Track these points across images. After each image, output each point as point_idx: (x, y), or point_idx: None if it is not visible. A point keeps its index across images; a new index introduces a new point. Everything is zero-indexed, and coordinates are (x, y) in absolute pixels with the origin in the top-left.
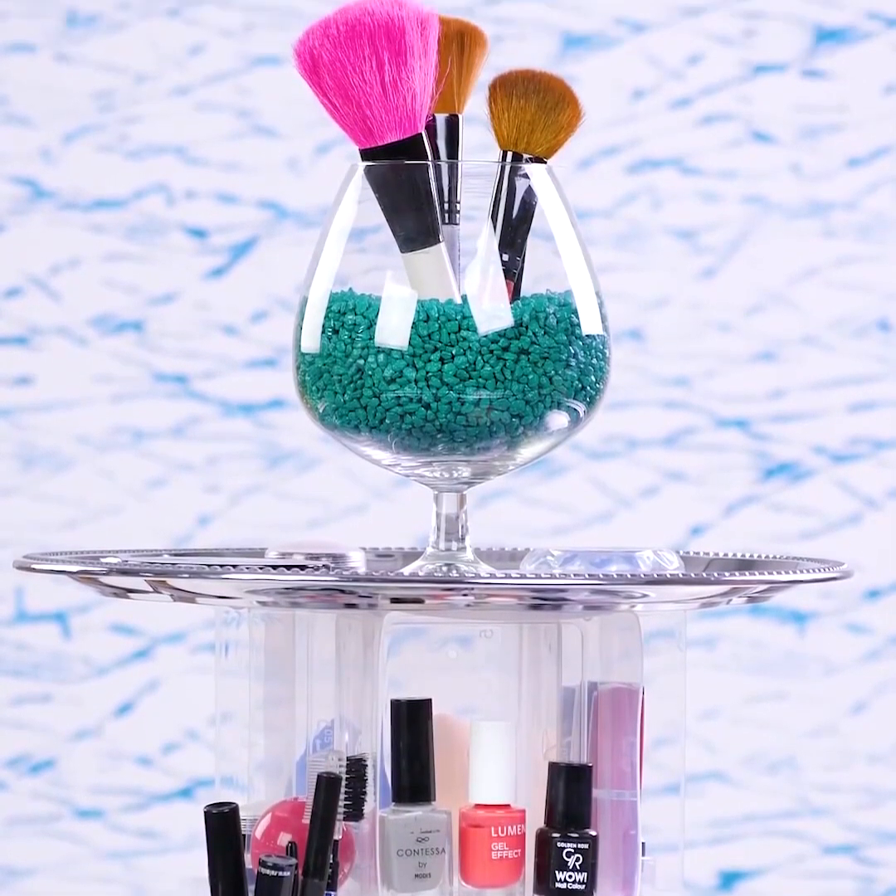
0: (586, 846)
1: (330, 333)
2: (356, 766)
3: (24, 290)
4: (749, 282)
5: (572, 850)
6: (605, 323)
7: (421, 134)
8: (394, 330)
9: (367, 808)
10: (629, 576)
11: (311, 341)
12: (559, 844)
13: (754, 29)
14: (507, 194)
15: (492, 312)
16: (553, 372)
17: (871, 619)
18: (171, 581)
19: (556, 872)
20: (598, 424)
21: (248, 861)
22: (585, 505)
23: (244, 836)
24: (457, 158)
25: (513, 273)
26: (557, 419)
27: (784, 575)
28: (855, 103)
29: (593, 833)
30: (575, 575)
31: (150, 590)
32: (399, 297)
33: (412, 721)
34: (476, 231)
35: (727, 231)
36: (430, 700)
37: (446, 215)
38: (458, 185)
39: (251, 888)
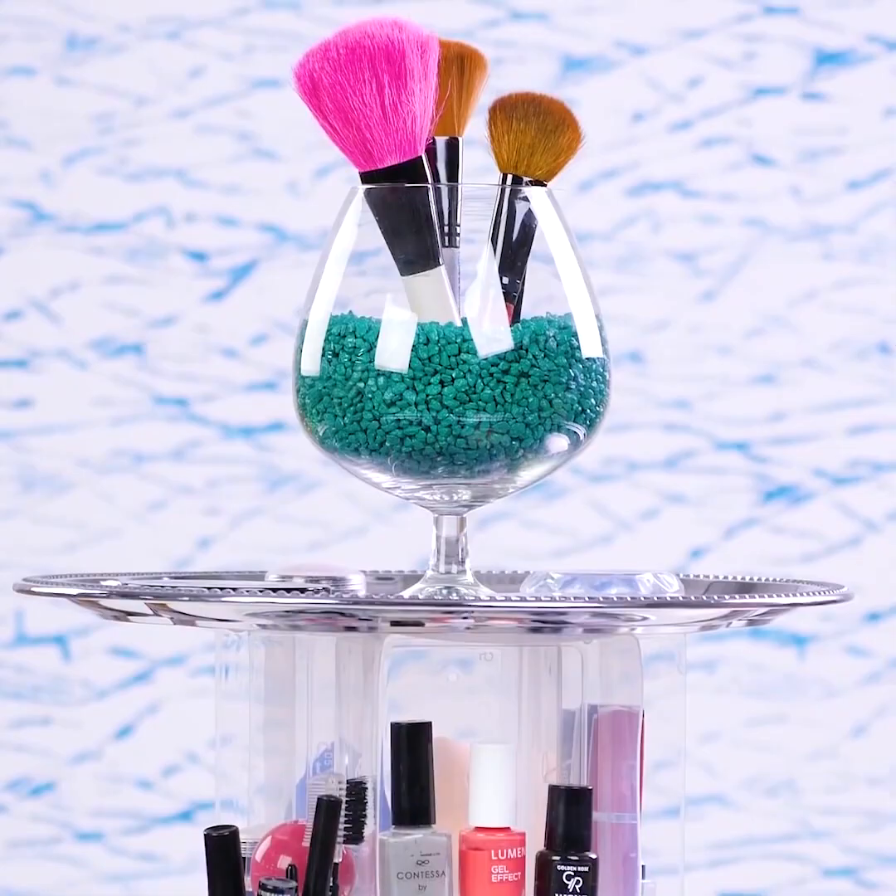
0: (586, 869)
1: (330, 356)
2: (356, 789)
3: (24, 312)
4: (749, 304)
5: (572, 873)
6: (605, 346)
7: (421, 157)
8: (394, 353)
9: (367, 831)
10: (629, 599)
11: (311, 364)
12: (559, 867)
13: (754, 52)
14: (507, 217)
15: (492, 335)
16: (553, 395)
17: (870, 642)
18: (171, 604)
19: (557, 895)
20: (598, 447)
21: (249, 884)
22: (585, 528)
23: (244, 858)
24: (457, 181)
25: (513, 296)
26: (557, 442)
27: (784, 598)
28: (855, 126)
29: (593, 856)
30: (575, 598)
31: (150, 613)
32: (399, 320)
33: (412, 744)
34: (476, 254)
35: (727, 254)
36: (431, 723)
37: (446, 238)
38: (458, 207)
39: None
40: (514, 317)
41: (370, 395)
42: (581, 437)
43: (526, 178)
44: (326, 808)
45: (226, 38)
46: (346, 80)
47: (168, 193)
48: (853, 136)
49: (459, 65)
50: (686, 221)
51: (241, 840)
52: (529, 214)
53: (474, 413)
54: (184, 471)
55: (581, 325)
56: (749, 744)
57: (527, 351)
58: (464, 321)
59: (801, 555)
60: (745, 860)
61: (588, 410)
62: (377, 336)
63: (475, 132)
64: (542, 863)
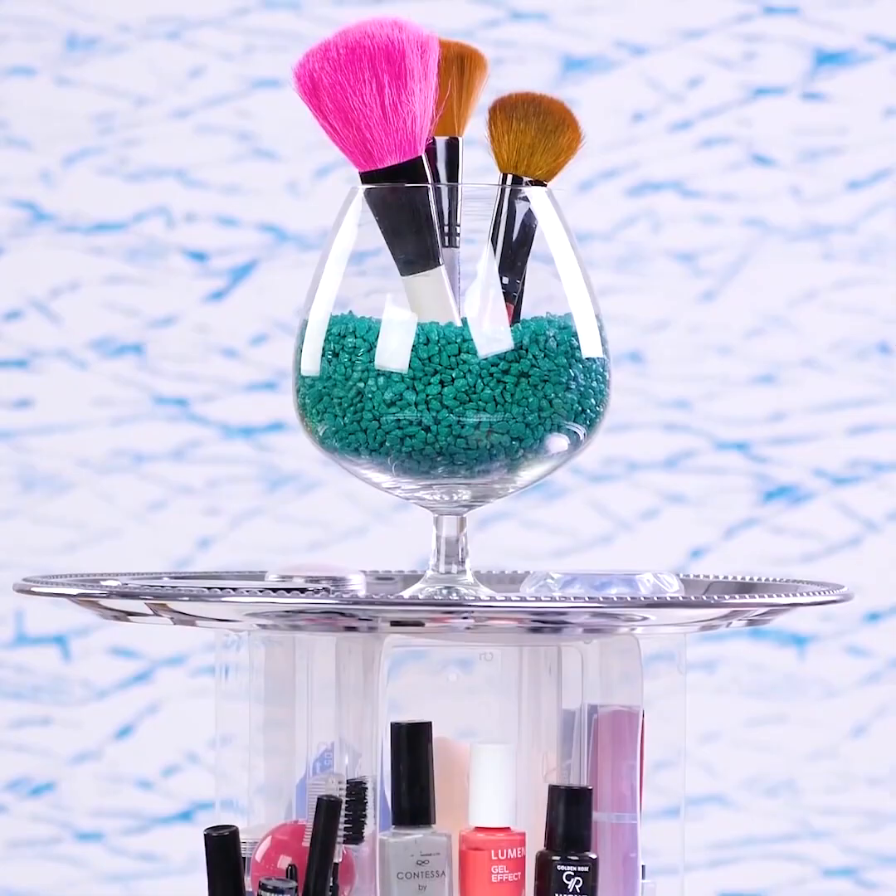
0: (586, 869)
1: (330, 356)
2: (356, 789)
3: (24, 312)
4: (749, 304)
5: (572, 873)
6: (605, 346)
7: (421, 157)
8: (394, 353)
9: (367, 831)
10: (629, 599)
11: (311, 364)
12: (559, 867)
13: (754, 52)
14: (507, 217)
15: (492, 335)
16: (553, 395)
17: (870, 642)
18: (171, 604)
19: (557, 895)
20: (598, 447)
21: (249, 884)
22: (585, 528)
23: (244, 858)
24: (457, 181)
25: (513, 296)
26: (557, 442)
27: (784, 598)
28: (855, 126)
29: (593, 856)
30: (575, 598)
31: (150, 613)
32: (399, 320)
33: (412, 744)
34: (476, 254)
35: (727, 254)
36: (430, 723)
37: (446, 238)
38: (458, 207)
39: None
40: (514, 317)
41: (370, 395)
42: (581, 437)
43: (526, 178)
44: (326, 808)
45: (226, 38)
46: (346, 80)
47: (168, 193)
48: (853, 136)
49: (459, 65)
50: (686, 221)
51: (241, 840)
52: (529, 214)
53: (474, 413)
54: (184, 471)
55: (581, 325)
56: (749, 744)
57: (527, 351)
58: (464, 321)
59: (801, 555)
60: (745, 860)
61: (588, 410)
62: (377, 336)
63: (475, 132)
64: (542, 863)
